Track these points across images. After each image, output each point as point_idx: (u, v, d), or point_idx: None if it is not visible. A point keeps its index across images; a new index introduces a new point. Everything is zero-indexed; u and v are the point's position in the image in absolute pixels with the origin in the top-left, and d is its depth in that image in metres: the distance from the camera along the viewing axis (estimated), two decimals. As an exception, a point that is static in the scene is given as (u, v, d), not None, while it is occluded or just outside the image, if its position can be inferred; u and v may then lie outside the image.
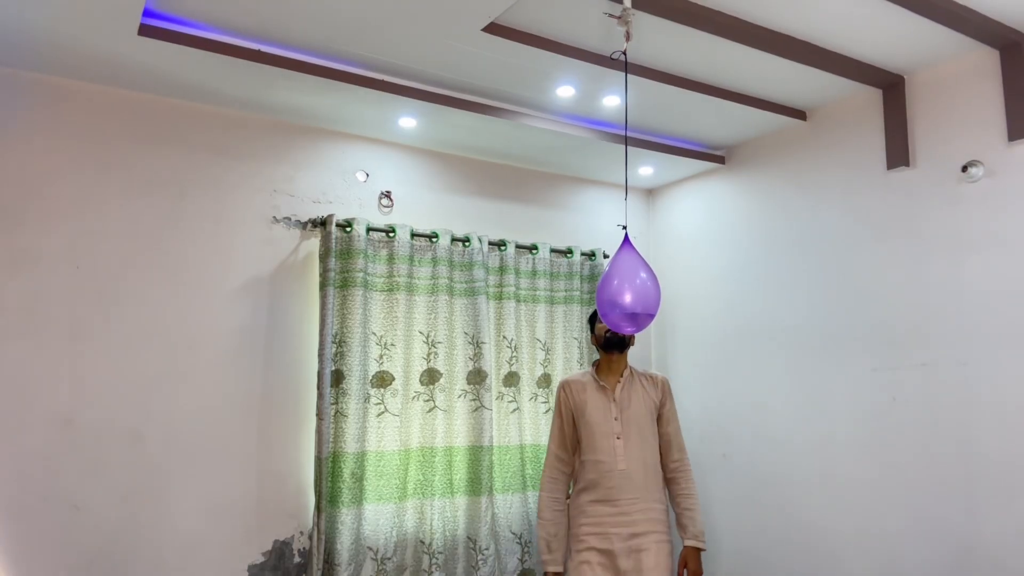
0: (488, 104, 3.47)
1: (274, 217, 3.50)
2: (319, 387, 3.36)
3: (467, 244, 3.81)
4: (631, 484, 3.18)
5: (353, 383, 3.41)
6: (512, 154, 4.05)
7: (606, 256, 4.30)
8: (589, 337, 3.66)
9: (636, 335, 3.43)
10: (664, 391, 3.38)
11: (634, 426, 3.24)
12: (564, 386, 3.41)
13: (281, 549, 3.36)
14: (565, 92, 3.38)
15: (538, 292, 4.06)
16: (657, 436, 3.31)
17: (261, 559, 3.31)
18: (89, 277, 3.07)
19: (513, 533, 3.79)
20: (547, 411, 4.02)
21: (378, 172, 3.79)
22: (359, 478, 3.40)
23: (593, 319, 3.46)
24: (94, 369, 3.05)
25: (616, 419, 3.24)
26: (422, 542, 3.56)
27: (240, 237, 3.41)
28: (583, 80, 3.27)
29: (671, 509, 3.34)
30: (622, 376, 3.34)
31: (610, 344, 3.33)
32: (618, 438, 3.21)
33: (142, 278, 3.17)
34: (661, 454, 3.32)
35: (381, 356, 3.56)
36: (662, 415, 3.35)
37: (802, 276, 3.76)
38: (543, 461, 3.94)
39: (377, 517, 3.44)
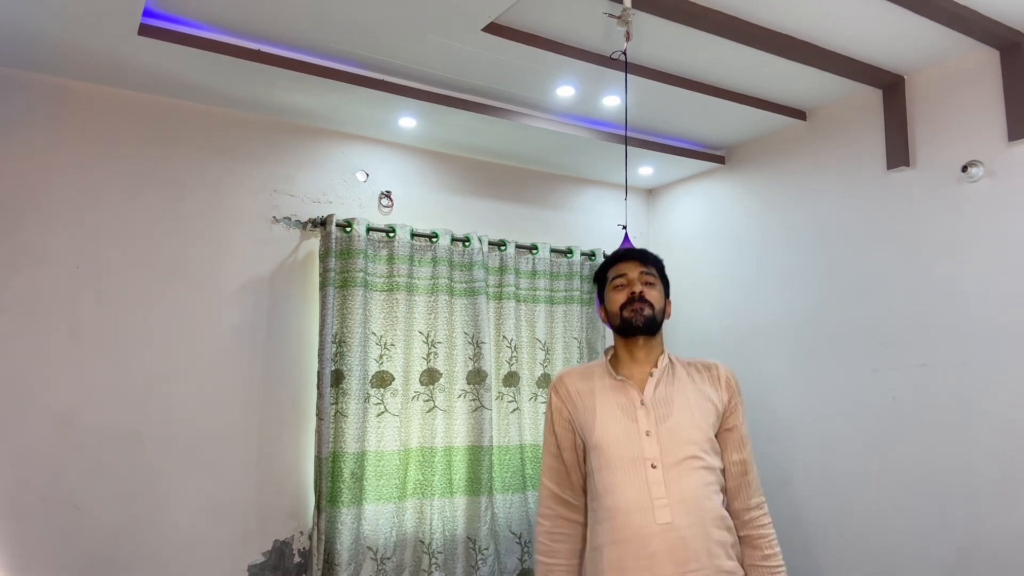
0: (488, 104, 3.47)
1: (274, 217, 3.50)
2: (319, 387, 3.36)
3: (467, 244, 3.81)
4: (684, 551, 1.88)
5: (353, 383, 3.41)
6: (512, 154, 4.05)
7: (606, 256, 4.29)
8: (597, 310, 2.50)
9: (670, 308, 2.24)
10: (731, 389, 2.18)
11: (681, 447, 1.98)
12: (559, 384, 2.21)
13: (281, 549, 3.36)
14: (565, 92, 3.38)
15: (538, 292, 4.06)
16: (721, 465, 2.07)
17: (261, 559, 3.31)
18: (89, 277, 3.07)
19: (513, 533, 3.79)
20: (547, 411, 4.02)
21: (378, 172, 3.79)
22: (359, 478, 3.40)
23: (601, 279, 2.26)
24: (94, 369, 3.05)
25: (649, 435, 1.98)
26: (422, 542, 3.56)
27: (240, 237, 3.41)
28: (583, 80, 3.27)
29: None
30: (656, 366, 2.10)
31: (629, 328, 2.10)
32: (653, 467, 1.94)
33: (142, 278, 3.17)
34: (728, 496, 2.07)
35: (381, 356, 3.56)
36: (730, 431, 2.11)
37: (802, 276, 3.76)
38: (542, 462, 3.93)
39: (377, 517, 3.44)
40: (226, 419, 3.29)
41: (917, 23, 2.88)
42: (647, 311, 2.07)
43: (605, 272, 2.23)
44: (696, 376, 2.14)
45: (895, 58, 3.22)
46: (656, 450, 1.95)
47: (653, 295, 2.11)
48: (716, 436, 2.07)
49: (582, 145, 3.87)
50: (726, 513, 2.01)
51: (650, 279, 2.15)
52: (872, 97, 3.51)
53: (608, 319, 2.18)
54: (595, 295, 2.35)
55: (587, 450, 2.08)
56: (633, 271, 2.15)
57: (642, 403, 2.02)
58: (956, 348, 3.12)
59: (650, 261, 2.21)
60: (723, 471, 2.06)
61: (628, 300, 2.10)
